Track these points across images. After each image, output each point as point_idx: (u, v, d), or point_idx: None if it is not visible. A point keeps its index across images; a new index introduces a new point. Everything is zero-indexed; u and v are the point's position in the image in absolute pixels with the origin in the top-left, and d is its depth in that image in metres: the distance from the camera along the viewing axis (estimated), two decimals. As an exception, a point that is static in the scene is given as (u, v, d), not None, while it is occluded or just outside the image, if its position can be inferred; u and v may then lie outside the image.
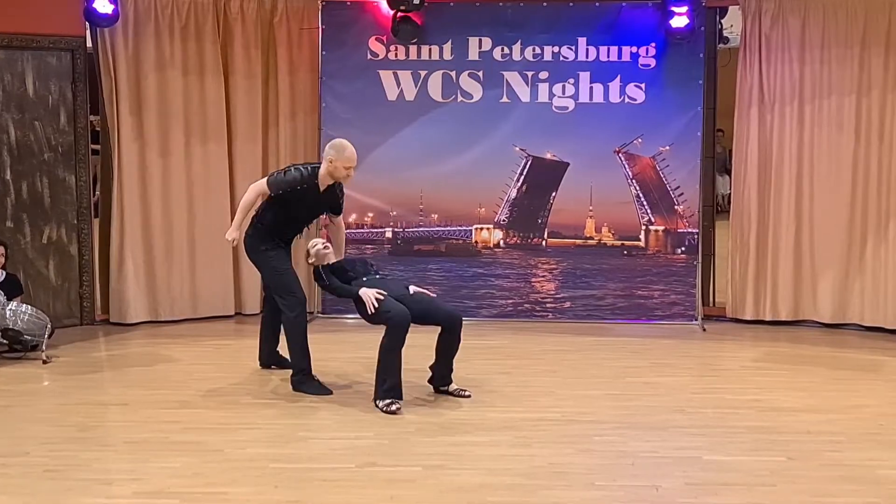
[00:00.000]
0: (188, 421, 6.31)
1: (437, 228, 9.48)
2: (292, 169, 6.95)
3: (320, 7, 9.26)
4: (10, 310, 7.75)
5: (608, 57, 9.20)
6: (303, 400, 6.77)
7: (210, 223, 9.10)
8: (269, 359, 7.51)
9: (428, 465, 5.53)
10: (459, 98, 9.30)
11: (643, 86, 9.18)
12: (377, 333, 6.67)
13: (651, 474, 5.45)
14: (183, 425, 6.22)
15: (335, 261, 7.03)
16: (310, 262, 7.10)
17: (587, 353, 8.20)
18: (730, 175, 9.73)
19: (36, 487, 5.22)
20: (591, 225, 9.40)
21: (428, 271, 9.44)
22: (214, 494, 5.13)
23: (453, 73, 9.28)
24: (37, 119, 8.74)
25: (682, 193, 9.25)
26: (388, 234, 9.49)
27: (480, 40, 9.25)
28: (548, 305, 9.39)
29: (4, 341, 7.81)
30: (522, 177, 9.38)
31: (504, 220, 9.45)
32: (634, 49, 9.17)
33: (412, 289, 6.88)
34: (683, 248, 9.30)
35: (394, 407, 6.44)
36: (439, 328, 6.74)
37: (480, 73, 9.26)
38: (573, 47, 9.20)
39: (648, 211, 9.31)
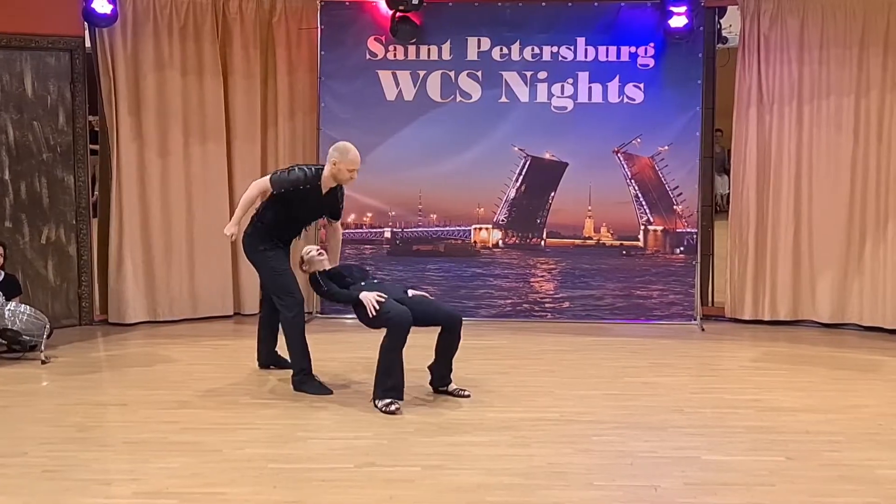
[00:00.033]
0: (187, 421, 6.31)
1: (436, 228, 9.48)
2: (296, 169, 6.95)
3: (319, 7, 9.27)
4: (9, 310, 7.75)
5: (607, 57, 9.20)
6: (301, 400, 6.77)
7: (209, 223, 9.09)
8: (267, 359, 7.51)
9: (426, 465, 5.53)
10: (458, 98, 9.30)
11: (642, 86, 9.19)
12: (376, 334, 6.67)
13: (650, 474, 5.45)
14: (182, 425, 6.22)
15: (331, 267, 7.03)
16: (303, 269, 7.09)
17: (586, 353, 8.20)
18: (729, 175, 9.74)
19: (35, 488, 5.21)
20: (589, 225, 9.40)
21: (427, 271, 9.45)
22: (213, 495, 5.12)
23: (452, 73, 9.28)
24: (35, 119, 8.74)
25: (680, 193, 9.25)
26: (387, 234, 9.49)
27: (479, 40, 9.25)
28: (546, 305, 9.39)
29: (3, 341, 7.81)
30: (521, 177, 9.38)
31: (503, 220, 9.45)
32: (633, 49, 9.17)
33: (410, 292, 6.89)
34: (682, 248, 9.31)
35: (393, 407, 6.44)
36: (439, 328, 6.75)
37: (479, 73, 9.27)
38: (572, 47, 9.20)
39: (647, 211, 9.32)
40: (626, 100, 9.21)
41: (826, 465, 5.56)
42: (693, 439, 6.01)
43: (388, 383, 6.49)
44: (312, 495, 5.14)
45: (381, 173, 9.24)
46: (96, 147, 9.37)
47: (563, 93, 9.24)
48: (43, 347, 7.77)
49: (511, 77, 9.25)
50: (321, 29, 9.28)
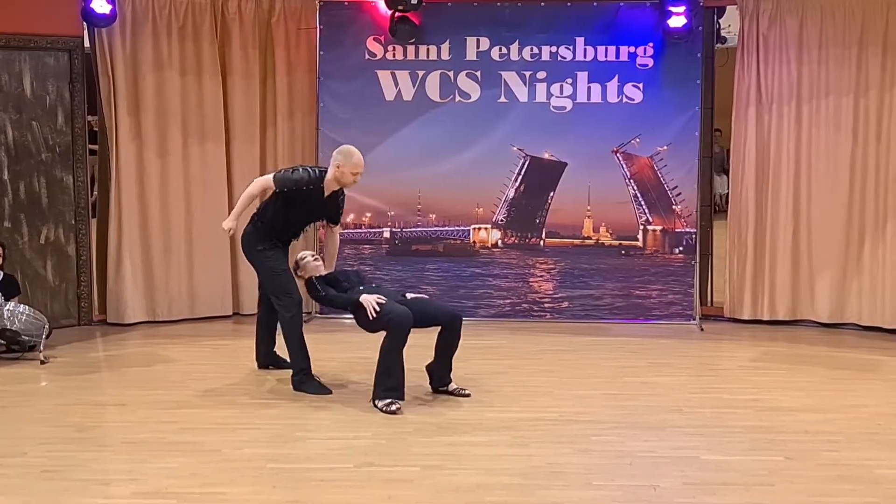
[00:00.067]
0: (186, 421, 6.31)
1: (435, 228, 9.48)
2: (300, 169, 6.95)
3: (318, 7, 9.26)
4: (8, 310, 7.75)
5: (606, 57, 9.21)
6: (300, 400, 6.76)
7: (208, 223, 9.09)
8: (266, 359, 7.51)
9: (425, 466, 5.53)
10: (457, 98, 9.30)
11: (641, 86, 9.19)
12: (375, 334, 6.67)
13: (649, 474, 5.45)
14: (181, 425, 6.22)
15: (326, 272, 7.02)
16: (298, 274, 7.07)
17: (585, 352, 8.20)
18: (728, 175, 9.74)
19: (34, 488, 5.21)
20: (588, 225, 9.40)
21: (426, 271, 9.45)
22: (212, 495, 5.12)
23: (451, 73, 9.28)
24: (34, 119, 8.74)
25: (679, 193, 9.25)
26: (386, 234, 9.49)
27: (478, 40, 9.25)
28: (546, 305, 9.39)
29: (2, 342, 7.81)
30: (520, 177, 9.38)
31: (502, 220, 9.45)
32: (632, 49, 9.17)
33: (409, 295, 6.89)
34: (681, 248, 9.31)
35: (393, 407, 6.43)
36: (439, 328, 6.75)
37: (478, 73, 9.27)
38: (571, 47, 9.20)
39: (646, 211, 9.32)
40: (625, 100, 9.21)
41: (825, 465, 5.56)
42: (692, 439, 6.01)
43: (389, 383, 6.49)
44: (311, 495, 5.14)
45: (380, 173, 9.23)
46: (95, 147, 9.38)
47: (562, 93, 9.25)
48: (42, 347, 7.77)
49: (510, 77, 9.25)
50: (320, 29, 9.28)
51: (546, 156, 9.36)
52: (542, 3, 9.21)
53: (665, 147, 9.21)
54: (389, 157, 9.28)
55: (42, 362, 7.67)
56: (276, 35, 9.35)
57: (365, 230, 9.48)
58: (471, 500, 5.07)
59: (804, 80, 8.96)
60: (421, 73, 9.29)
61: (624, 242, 9.38)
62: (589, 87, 9.23)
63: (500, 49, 9.23)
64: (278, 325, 7.21)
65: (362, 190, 9.12)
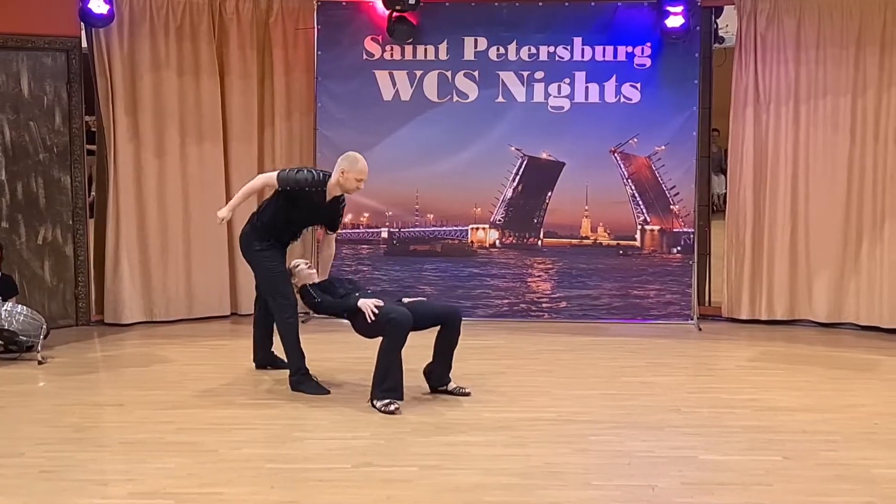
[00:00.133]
0: (183, 421, 6.30)
1: (433, 228, 9.48)
2: (305, 170, 6.95)
3: (316, 7, 9.26)
4: (6, 310, 7.74)
5: (604, 57, 9.20)
6: (298, 400, 6.76)
7: (206, 223, 9.06)
8: (264, 359, 7.50)
9: (424, 466, 5.53)
10: (455, 98, 9.30)
11: (639, 85, 9.19)
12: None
13: (647, 474, 5.45)
14: (178, 426, 6.22)
15: (320, 280, 7.01)
16: (293, 282, 7.05)
17: (583, 352, 8.20)
18: (725, 175, 9.72)
19: (31, 488, 5.21)
20: (586, 225, 9.40)
21: (424, 271, 9.45)
22: (210, 495, 5.12)
23: (449, 73, 9.28)
24: (32, 119, 8.73)
25: (677, 193, 9.25)
26: (384, 234, 9.49)
27: (476, 40, 9.25)
28: (543, 305, 9.39)
29: (0, 342, 7.80)
30: (518, 177, 9.38)
31: (500, 220, 9.45)
32: (630, 49, 9.17)
33: (405, 300, 6.88)
34: (679, 248, 9.31)
35: (392, 407, 6.43)
36: (438, 328, 6.74)
37: (476, 73, 9.26)
38: (569, 47, 9.20)
39: (644, 211, 9.32)
40: (622, 99, 9.21)
41: (823, 465, 5.56)
42: (690, 439, 6.01)
43: (387, 384, 6.48)
44: (309, 495, 5.13)
45: (377, 173, 9.12)
46: (93, 147, 9.38)
47: (559, 92, 9.24)
48: (39, 348, 7.76)
49: (508, 77, 9.25)
50: (318, 29, 9.27)
51: (544, 156, 9.36)
52: (540, 3, 9.20)
53: (663, 147, 9.21)
54: (387, 157, 9.27)
55: (40, 363, 7.66)
56: (274, 35, 9.35)
57: (363, 230, 9.47)
58: (469, 500, 5.07)
59: (802, 79, 8.96)
60: (419, 73, 9.28)
61: (622, 242, 9.38)
62: (587, 87, 9.23)
63: (498, 49, 9.23)
64: (275, 325, 7.20)
65: (360, 190, 9.11)
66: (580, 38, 9.18)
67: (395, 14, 8.97)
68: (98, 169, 9.33)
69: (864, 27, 8.79)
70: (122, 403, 6.73)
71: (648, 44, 9.14)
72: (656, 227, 9.33)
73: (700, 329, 9.05)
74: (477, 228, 9.47)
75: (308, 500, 5.09)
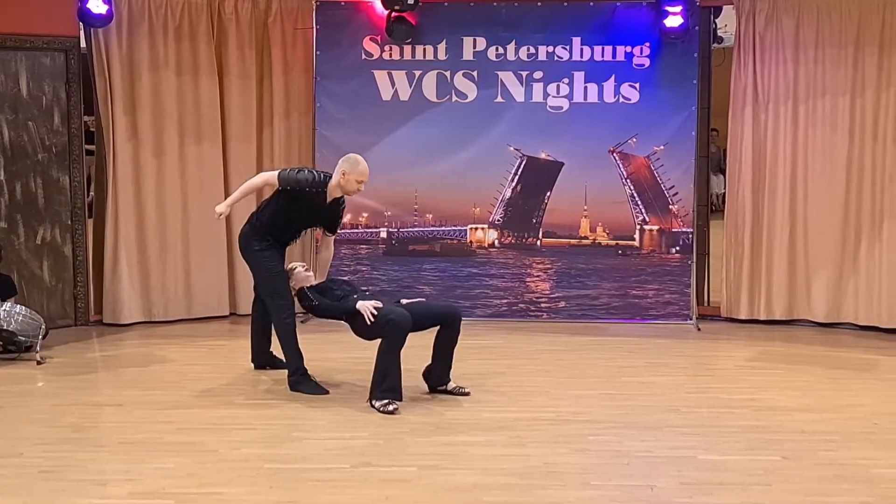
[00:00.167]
0: (182, 421, 6.30)
1: (432, 228, 9.48)
2: (306, 170, 6.95)
3: (314, 7, 9.26)
4: (5, 311, 7.74)
5: (603, 57, 9.21)
6: (297, 400, 6.76)
7: (204, 223, 9.06)
8: (262, 359, 7.50)
9: (423, 466, 5.53)
10: (454, 98, 9.30)
11: (637, 85, 9.19)
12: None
13: (646, 474, 5.45)
14: (177, 426, 6.22)
15: (317, 282, 7.01)
16: (290, 285, 7.03)
17: (582, 352, 8.20)
18: (724, 175, 9.73)
19: (30, 488, 5.21)
20: (585, 225, 9.40)
21: (423, 271, 9.45)
22: (209, 495, 5.12)
23: (448, 73, 9.28)
24: (30, 119, 8.73)
25: (676, 193, 9.26)
26: (383, 234, 9.49)
27: (475, 40, 9.25)
28: (542, 305, 9.39)
29: (-1, 342, 7.82)
30: (517, 176, 9.38)
31: (499, 220, 9.45)
32: (629, 49, 9.17)
33: (404, 301, 6.88)
34: (678, 248, 9.31)
35: (391, 407, 6.42)
36: (437, 328, 6.74)
37: (475, 73, 9.26)
38: (568, 47, 9.20)
39: (643, 210, 9.32)
40: (621, 99, 9.21)
41: (822, 465, 5.56)
42: (689, 439, 6.01)
43: (386, 384, 6.47)
44: (308, 495, 5.13)
45: (376, 173, 9.08)
46: (92, 147, 9.37)
47: (558, 92, 9.24)
48: (38, 348, 7.76)
49: (507, 77, 9.25)
50: (317, 29, 9.27)
51: (543, 156, 9.36)
52: (539, 3, 9.21)
53: (662, 147, 9.21)
54: (386, 157, 9.26)
55: (38, 363, 7.66)
56: (273, 35, 9.35)
57: (362, 230, 9.47)
58: (468, 500, 5.07)
59: (801, 79, 8.97)
60: (417, 73, 9.28)
61: (621, 242, 9.38)
62: (585, 87, 9.23)
63: (497, 49, 9.23)
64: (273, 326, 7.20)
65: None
66: (579, 38, 9.19)
67: (393, 14, 8.97)
68: (97, 169, 9.32)
69: (862, 27, 8.79)
70: (121, 403, 6.73)
71: (647, 44, 9.14)
72: (655, 227, 9.33)
73: (699, 329, 9.05)
74: (476, 228, 9.47)
75: (307, 499, 5.09)
